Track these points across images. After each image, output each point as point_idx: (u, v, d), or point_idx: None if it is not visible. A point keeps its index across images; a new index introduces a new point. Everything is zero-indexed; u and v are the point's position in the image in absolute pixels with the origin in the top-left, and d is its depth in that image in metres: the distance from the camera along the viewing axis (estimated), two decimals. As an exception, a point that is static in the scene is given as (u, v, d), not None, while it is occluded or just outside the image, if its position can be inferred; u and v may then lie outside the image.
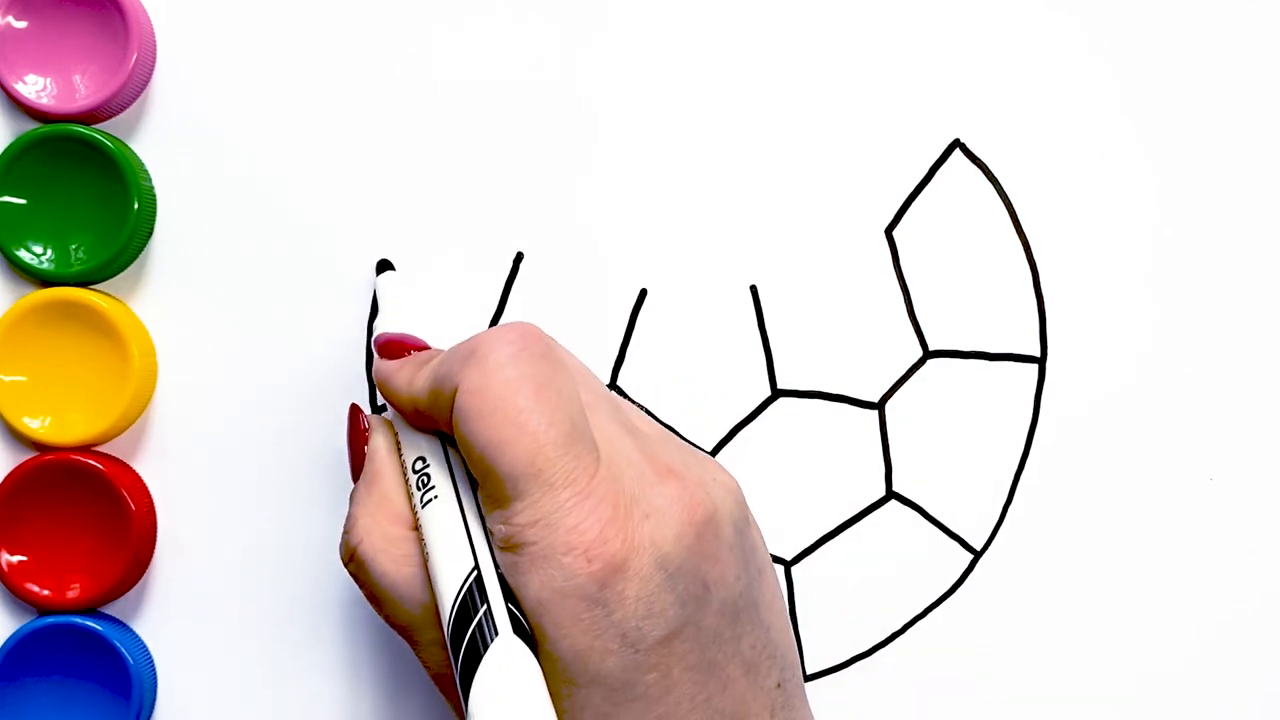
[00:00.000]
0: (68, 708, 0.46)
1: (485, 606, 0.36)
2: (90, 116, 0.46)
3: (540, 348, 0.38)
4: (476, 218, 0.47)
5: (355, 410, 0.43)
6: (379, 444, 0.42)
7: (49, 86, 0.46)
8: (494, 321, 0.47)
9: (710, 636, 0.38)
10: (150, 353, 0.47)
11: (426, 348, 0.43)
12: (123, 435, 0.47)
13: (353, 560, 0.40)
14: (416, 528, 0.40)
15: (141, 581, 0.47)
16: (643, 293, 0.47)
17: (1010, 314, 0.46)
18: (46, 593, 0.46)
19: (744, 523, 0.39)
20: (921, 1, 0.46)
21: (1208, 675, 0.46)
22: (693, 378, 0.47)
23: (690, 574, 0.37)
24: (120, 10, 0.45)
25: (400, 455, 0.41)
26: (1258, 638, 0.46)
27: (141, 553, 0.46)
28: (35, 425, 0.46)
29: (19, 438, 0.47)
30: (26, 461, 0.46)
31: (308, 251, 0.47)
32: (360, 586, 0.40)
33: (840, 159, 0.46)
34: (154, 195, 0.47)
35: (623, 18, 0.47)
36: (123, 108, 0.47)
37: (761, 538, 0.41)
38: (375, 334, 0.44)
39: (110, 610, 0.47)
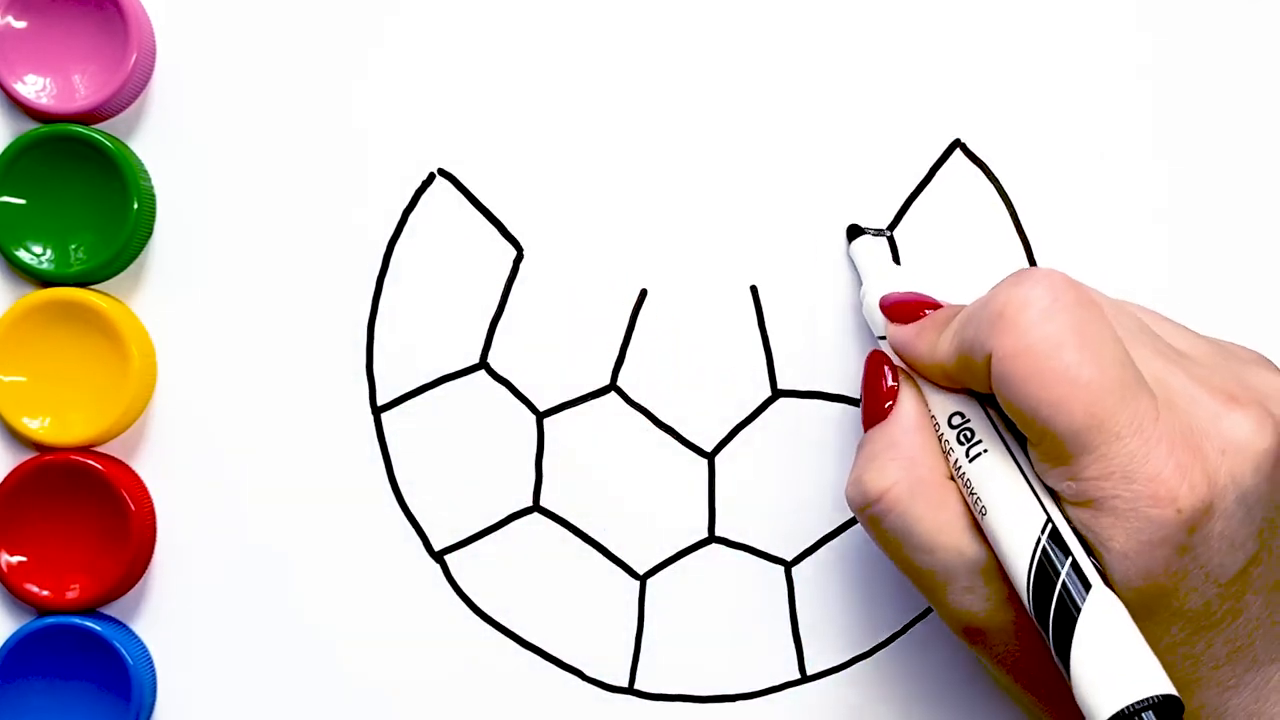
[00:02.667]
0: (67, 708, 0.46)
1: (1070, 560, 0.36)
2: (90, 116, 0.46)
3: (1070, 295, 0.37)
4: (476, 217, 0.47)
5: (881, 357, 0.42)
6: (910, 398, 0.41)
7: (49, 86, 0.46)
8: (494, 322, 0.47)
9: (1278, 556, 0.38)
10: (150, 353, 0.47)
11: (938, 305, 0.42)
12: (122, 435, 0.47)
13: (879, 503, 0.39)
14: (951, 479, 0.39)
15: (141, 582, 0.47)
16: (643, 293, 0.47)
17: (1010, 314, 0.46)
18: (46, 593, 0.46)
19: None
20: (921, 1, 0.46)
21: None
22: (693, 378, 0.47)
23: (1267, 503, 0.37)
24: (120, 10, 0.45)
25: (930, 411, 0.41)
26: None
27: (141, 553, 0.46)
28: (35, 425, 0.46)
29: (19, 438, 0.47)
30: (26, 462, 0.46)
31: (307, 251, 0.47)
32: (881, 532, 0.40)
33: (840, 159, 0.46)
34: (154, 195, 0.47)
35: (623, 18, 0.47)
36: (122, 108, 0.47)
37: None
38: (880, 297, 0.43)
39: (110, 611, 0.47)
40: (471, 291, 0.47)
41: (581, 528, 0.47)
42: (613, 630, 0.47)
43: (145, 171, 0.47)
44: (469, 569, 0.47)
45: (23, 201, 0.46)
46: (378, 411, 0.47)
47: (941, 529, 0.39)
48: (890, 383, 0.41)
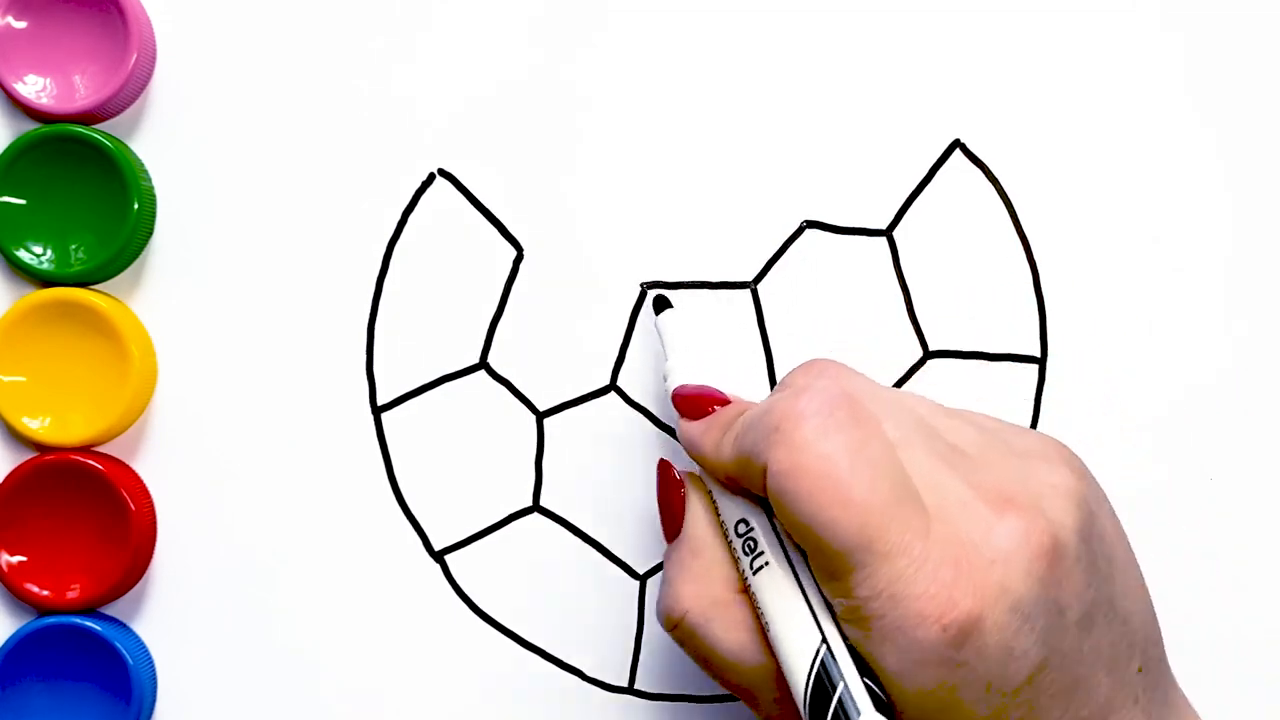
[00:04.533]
0: (67, 708, 0.46)
1: (842, 684, 0.36)
2: (90, 117, 0.46)
3: (844, 412, 0.37)
4: (476, 217, 0.47)
5: (667, 467, 0.42)
6: (697, 507, 0.41)
7: (49, 86, 0.46)
8: (494, 322, 0.47)
9: (1072, 658, 0.37)
10: (150, 353, 0.47)
11: (726, 400, 0.42)
12: (123, 435, 0.47)
13: (679, 629, 0.40)
14: (744, 590, 0.39)
15: (141, 582, 0.47)
16: (643, 292, 0.47)
17: (1010, 314, 0.46)
18: (46, 593, 0.46)
19: (1089, 523, 0.38)
20: (922, 1, 0.46)
21: (1207, 675, 0.46)
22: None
23: (1045, 605, 0.36)
24: (120, 10, 0.45)
25: (718, 514, 0.41)
26: (1257, 637, 0.46)
27: (141, 553, 0.46)
28: (35, 425, 0.46)
29: (19, 438, 0.47)
30: (26, 462, 0.46)
31: (308, 251, 0.47)
32: (688, 652, 0.40)
33: (840, 159, 0.46)
34: (154, 195, 0.47)
35: (622, 19, 0.47)
36: (122, 108, 0.47)
37: (1111, 519, 0.39)
38: (673, 387, 0.43)
39: (110, 610, 0.47)
40: (471, 291, 0.47)
41: (581, 528, 0.47)
42: (613, 630, 0.47)
43: (145, 171, 0.47)
44: (469, 569, 0.47)
45: (23, 201, 0.46)
46: (378, 411, 0.47)
47: (741, 648, 0.39)
48: (682, 491, 0.41)
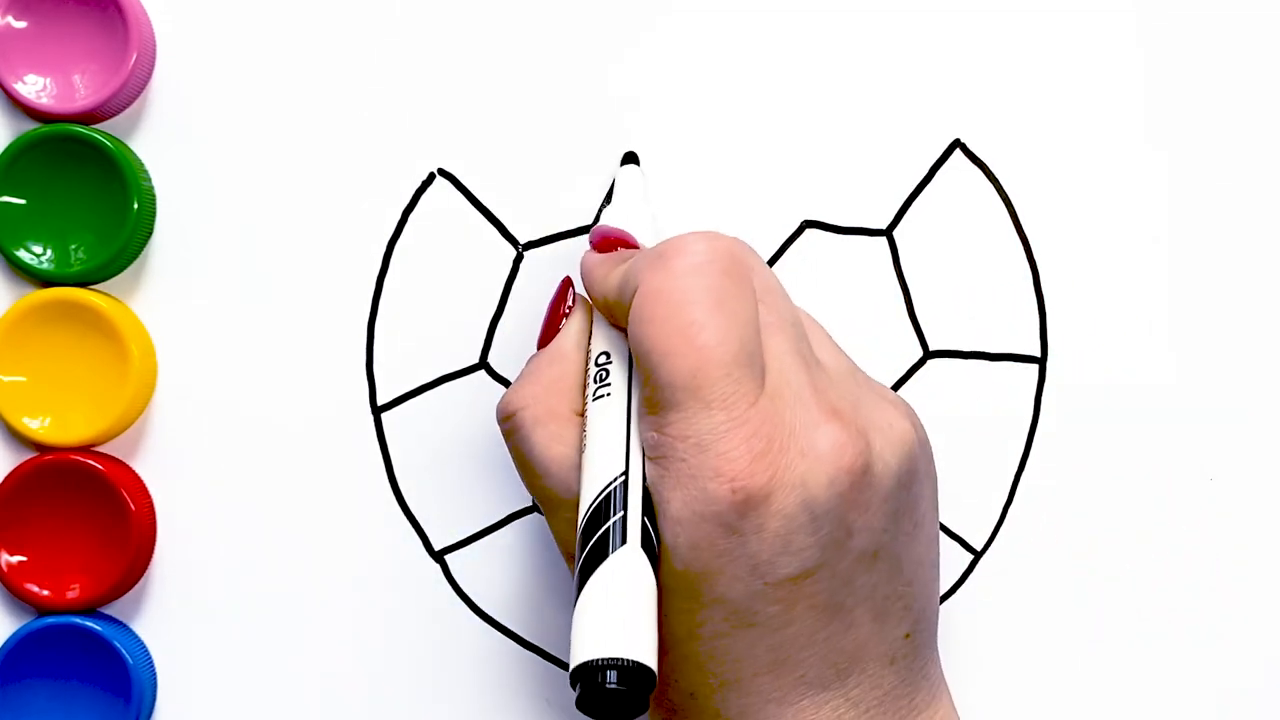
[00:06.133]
0: (67, 708, 0.46)
1: (622, 514, 0.36)
2: (90, 116, 0.46)
3: (727, 261, 0.38)
4: (476, 217, 0.47)
5: (567, 283, 0.43)
6: (573, 326, 0.42)
7: (49, 86, 0.46)
8: (494, 322, 0.47)
9: (842, 580, 0.37)
10: (150, 353, 0.47)
11: (637, 247, 0.42)
12: (123, 435, 0.47)
13: (509, 421, 0.40)
14: (582, 414, 0.40)
15: (141, 582, 0.47)
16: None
17: (1010, 314, 0.46)
18: (46, 593, 0.46)
19: (908, 476, 0.39)
20: (922, 1, 0.46)
21: (1207, 675, 0.46)
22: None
23: (836, 519, 0.37)
24: (120, 10, 0.45)
25: (589, 345, 0.41)
26: (1257, 637, 0.46)
27: (141, 553, 0.46)
28: (35, 425, 0.46)
29: (19, 438, 0.47)
30: (26, 462, 0.46)
31: (308, 251, 0.47)
32: (509, 449, 0.41)
33: (840, 159, 0.46)
34: (154, 195, 0.47)
35: (623, 19, 0.47)
36: (122, 108, 0.47)
37: (931, 498, 0.40)
38: (595, 226, 0.43)
39: (110, 610, 0.47)
40: (471, 291, 0.47)
41: (581, 528, 0.47)
42: (613, 630, 0.47)
43: (145, 171, 0.47)
44: (469, 569, 0.47)
45: (23, 201, 0.46)
46: (378, 411, 0.47)
47: (554, 460, 0.39)
48: (566, 308, 0.42)
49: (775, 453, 0.36)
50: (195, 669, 0.47)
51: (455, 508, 0.47)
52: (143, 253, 0.47)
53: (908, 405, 0.41)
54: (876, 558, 0.38)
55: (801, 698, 0.38)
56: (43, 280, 0.46)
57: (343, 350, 0.47)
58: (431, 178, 0.47)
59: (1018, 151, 0.46)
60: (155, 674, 0.47)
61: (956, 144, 0.46)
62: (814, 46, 0.46)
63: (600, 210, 0.45)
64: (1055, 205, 0.46)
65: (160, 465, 0.47)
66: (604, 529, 0.36)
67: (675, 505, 0.36)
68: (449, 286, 0.47)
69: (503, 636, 0.47)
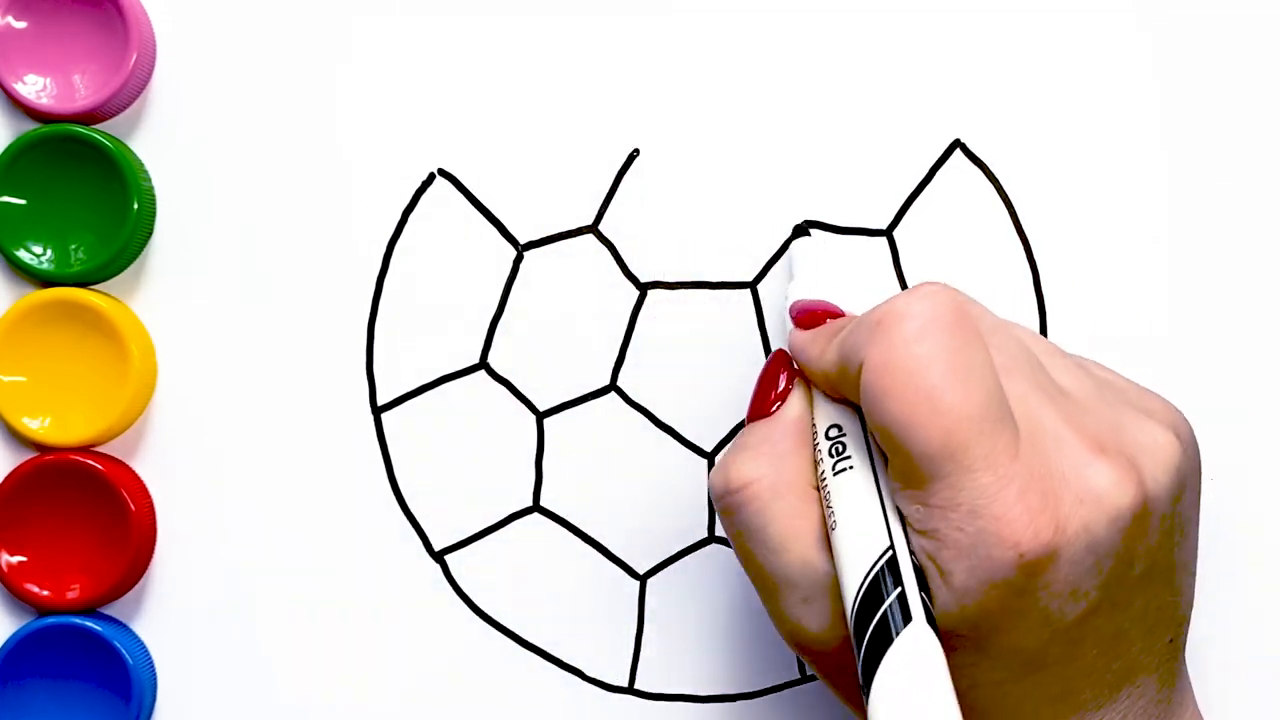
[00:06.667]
0: (67, 709, 0.46)
1: (899, 590, 0.35)
2: (90, 116, 0.46)
3: (951, 316, 0.36)
4: (476, 217, 0.47)
5: (783, 356, 0.41)
6: (798, 399, 0.40)
7: (49, 86, 0.46)
8: (494, 322, 0.47)
9: (1122, 608, 0.37)
10: (150, 353, 0.47)
11: (841, 314, 0.41)
12: (123, 435, 0.47)
13: (741, 492, 0.39)
14: (817, 489, 0.39)
15: (141, 582, 0.47)
16: (643, 292, 0.47)
17: (1010, 314, 0.46)
18: (46, 593, 0.46)
19: (1179, 490, 0.37)
20: (922, 1, 0.46)
21: (1207, 675, 0.46)
22: (693, 378, 0.47)
23: (1118, 555, 0.36)
24: (120, 10, 0.45)
25: (812, 419, 0.40)
26: (1257, 637, 0.46)
27: (141, 553, 0.46)
28: (35, 425, 0.46)
29: (19, 438, 0.47)
30: (26, 462, 0.46)
31: (308, 251, 0.47)
32: (734, 523, 0.39)
33: (840, 159, 0.46)
34: (154, 195, 0.47)
35: (623, 19, 0.47)
36: (122, 108, 0.47)
37: (1197, 492, 0.39)
38: (791, 302, 0.43)
39: (110, 611, 0.47)
40: (471, 291, 0.47)
41: (581, 528, 0.47)
42: (613, 630, 0.47)
43: (145, 171, 0.47)
44: (469, 569, 0.47)
45: (23, 201, 0.46)
46: (378, 411, 0.47)
47: (794, 535, 0.38)
48: (783, 385, 0.41)
49: (1053, 505, 0.35)
50: (195, 669, 0.47)
51: (455, 508, 0.47)
52: (143, 253, 0.47)
53: (1165, 404, 0.39)
54: (1151, 578, 0.37)
55: None
56: (43, 280, 0.46)
57: (343, 350, 0.47)
58: (431, 178, 0.47)
59: (1018, 151, 0.46)
60: (155, 674, 0.47)
61: (956, 144, 0.46)
62: (814, 47, 0.46)
63: (789, 293, 0.44)
64: (1055, 205, 0.46)
65: (160, 465, 0.47)
66: (884, 609, 0.35)
67: (960, 577, 0.35)
68: (449, 287, 0.47)
69: (503, 636, 0.47)
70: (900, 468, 0.36)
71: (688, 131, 0.47)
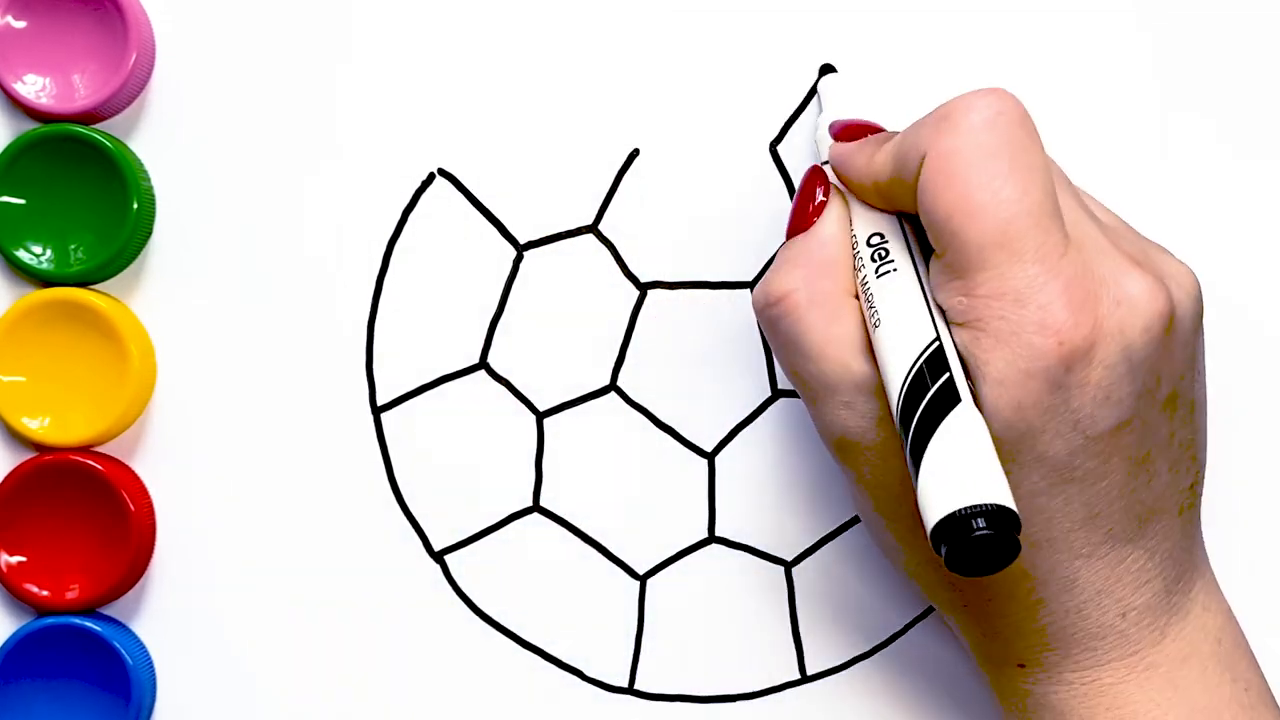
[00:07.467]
0: (67, 709, 0.46)
1: (947, 375, 0.36)
2: (89, 116, 0.46)
3: (1018, 114, 0.37)
4: (476, 217, 0.47)
5: (818, 170, 0.42)
6: (834, 210, 0.41)
7: (48, 86, 0.46)
8: (494, 322, 0.47)
9: (1151, 429, 0.38)
10: (150, 353, 0.47)
11: (883, 130, 0.42)
12: (122, 435, 0.47)
13: (779, 304, 0.39)
14: (857, 297, 0.39)
15: (141, 582, 0.47)
16: (644, 292, 0.47)
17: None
18: (46, 593, 0.46)
19: (1198, 320, 0.39)
20: (922, 2, 0.46)
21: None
22: (693, 378, 0.47)
23: (1149, 366, 0.37)
24: (120, 10, 0.45)
25: (851, 230, 0.40)
26: (1257, 638, 0.46)
27: (141, 553, 0.46)
28: (35, 425, 0.46)
29: (18, 438, 0.47)
30: (26, 462, 0.46)
31: (308, 251, 0.47)
32: (776, 334, 0.40)
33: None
34: (153, 195, 0.47)
35: (624, 19, 0.47)
36: (122, 108, 0.47)
37: (1203, 351, 0.40)
38: (830, 122, 0.43)
39: (109, 611, 0.47)
40: (471, 291, 0.47)
41: (581, 528, 0.47)
42: (613, 630, 0.47)
43: (145, 171, 0.47)
44: (469, 569, 0.47)
45: (23, 201, 0.46)
46: (378, 411, 0.47)
47: (832, 340, 0.39)
48: (820, 198, 0.41)
49: (1093, 302, 0.36)
50: (195, 669, 0.47)
51: (455, 508, 0.47)
52: (142, 253, 0.47)
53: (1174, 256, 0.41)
54: (1177, 404, 0.38)
55: (1109, 551, 0.38)
56: (42, 280, 0.46)
57: (343, 350, 0.47)
58: (431, 178, 0.47)
59: (1018, 151, 0.46)
60: (155, 674, 0.47)
61: (957, 144, 0.46)
62: (814, 47, 0.46)
63: (819, 123, 0.44)
64: (1055, 205, 0.46)
65: (160, 465, 0.47)
66: (931, 393, 0.36)
67: (998, 366, 0.36)
68: (449, 286, 0.47)
69: (503, 636, 0.47)
70: (951, 259, 0.37)
71: (688, 131, 0.47)
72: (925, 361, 0.37)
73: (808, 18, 0.46)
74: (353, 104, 0.47)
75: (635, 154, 0.46)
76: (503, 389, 0.47)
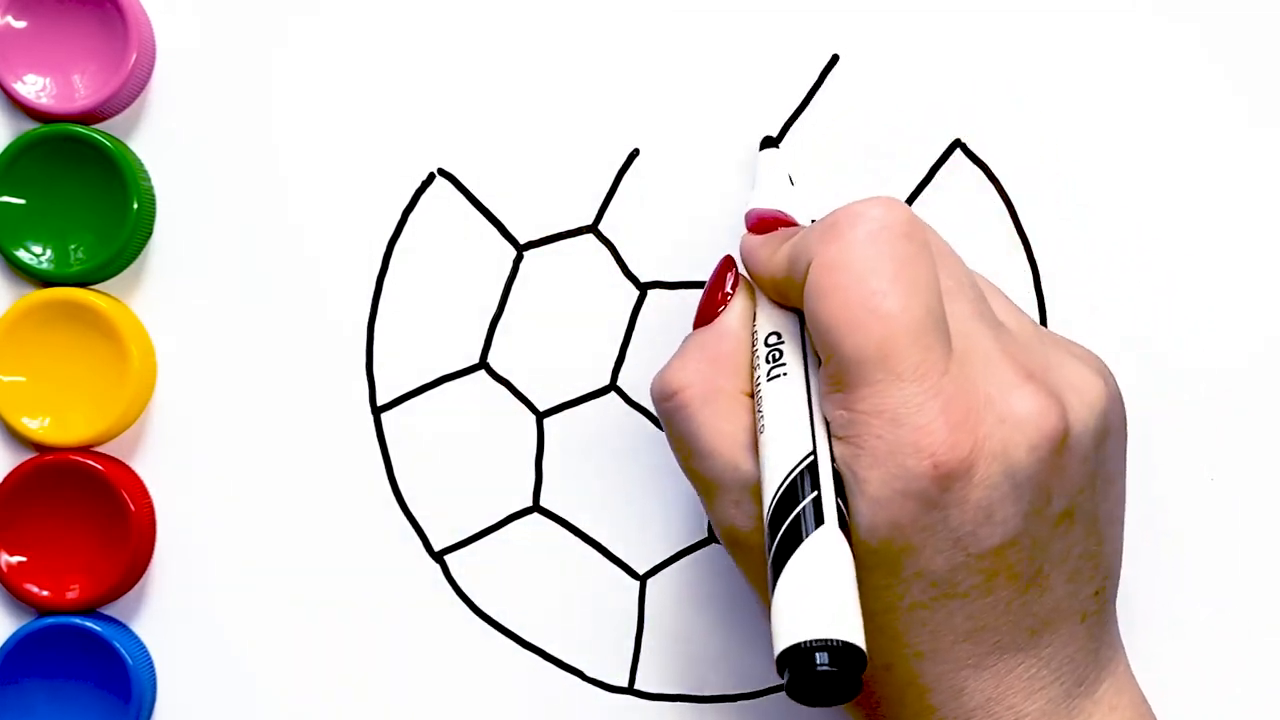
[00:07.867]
0: (67, 709, 0.46)
1: (815, 494, 0.36)
2: (89, 116, 0.46)
3: (904, 227, 0.37)
4: (476, 217, 0.47)
5: (729, 262, 0.41)
6: (738, 304, 0.41)
7: (48, 86, 0.46)
8: (494, 322, 0.47)
9: (1042, 546, 0.37)
10: (150, 353, 0.47)
11: (796, 225, 0.42)
12: (122, 435, 0.47)
13: (672, 399, 0.39)
14: (751, 396, 0.39)
15: (141, 582, 0.47)
16: (644, 291, 0.47)
17: (1010, 314, 0.46)
18: (46, 593, 0.46)
19: (1102, 434, 0.38)
20: (922, 2, 0.46)
21: (1207, 675, 0.46)
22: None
23: (1037, 485, 0.36)
24: (120, 10, 0.45)
25: (754, 326, 0.40)
26: (1257, 638, 0.46)
27: (141, 553, 0.46)
28: (35, 425, 0.46)
29: (18, 438, 0.47)
30: (26, 462, 0.46)
31: (308, 251, 0.47)
32: (670, 428, 0.40)
33: (841, 159, 0.46)
34: (154, 195, 0.47)
35: (624, 19, 0.47)
36: (122, 108, 0.47)
37: (1121, 450, 0.39)
38: (749, 209, 0.43)
39: (109, 611, 0.47)
40: (471, 291, 0.47)
41: (581, 528, 0.47)
42: (613, 630, 0.47)
43: (145, 171, 0.47)
44: (469, 569, 0.47)
45: (23, 201, 0.46)
46: (378, 411, 0.47)
47: (722, 439, 0.38)
48: (728, 289, 0.41)
49: (974, 421, 0.35)
50: (195, 669, 0.47)
51: (455, 508, 0.47)
52: (142, 253, 0.47)
53: (1097, 358, 0.40)
54: (1073, 520, 0.37)
55: (996, 661, 0.38)
56: (42, 280, 0.46)
57: (343, 350, 0.47)
58: (431, 178, 0.47)
59: (1018, 151, 0.46)
60: (155, 674, 0.47)
61: (956, 144, 0.46)
62: (814, 47, 0.46)
63: (750, 200, 0.44)
64: (1055, 205, 0.46)
65: (160, 465, 0.47)
66: (797, 511, 0.35)
67: (874, 484, 0.36)
68: (449, 286, 0.47)
69: (503, 636, 0.47)
70: (832, 371, 0.36)
71: (688, 131, 0.47)
72: (798, 475, 0.36)
73: (808, 17, 0.46)
74: (353, 104, 0.47)
75: (635, 154, 0.47)
76: (503, 389, 0.47)
